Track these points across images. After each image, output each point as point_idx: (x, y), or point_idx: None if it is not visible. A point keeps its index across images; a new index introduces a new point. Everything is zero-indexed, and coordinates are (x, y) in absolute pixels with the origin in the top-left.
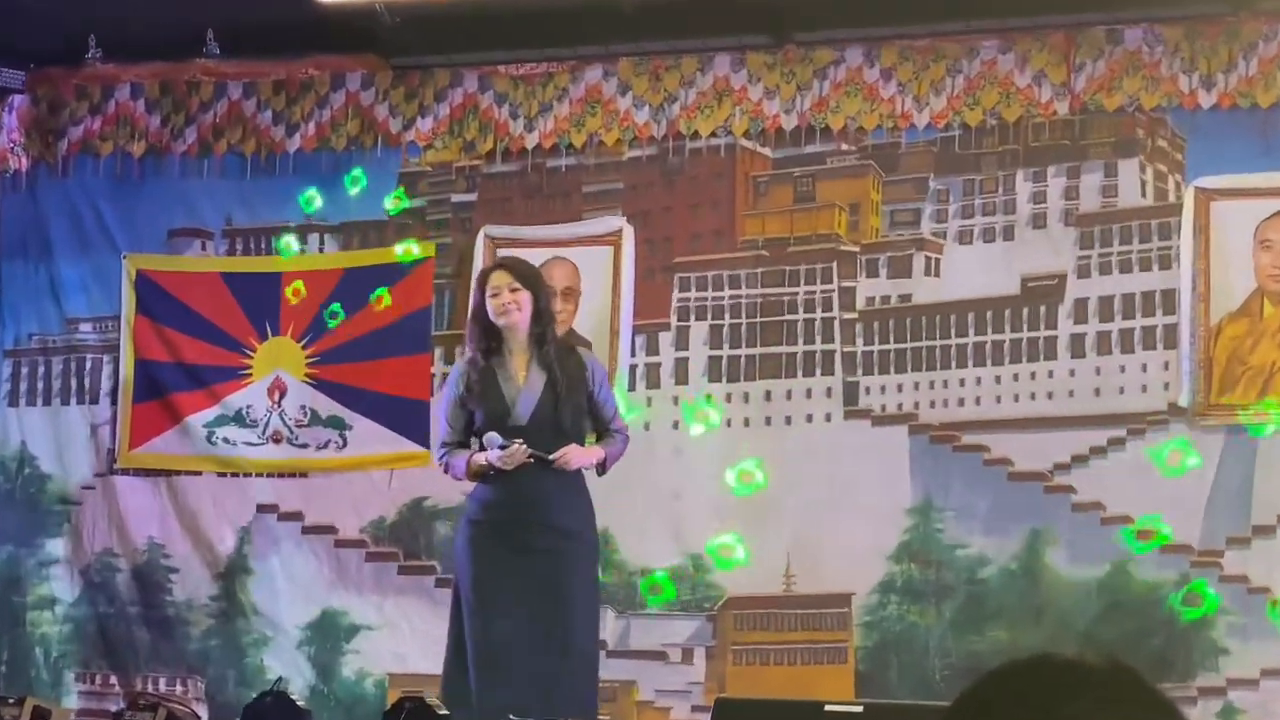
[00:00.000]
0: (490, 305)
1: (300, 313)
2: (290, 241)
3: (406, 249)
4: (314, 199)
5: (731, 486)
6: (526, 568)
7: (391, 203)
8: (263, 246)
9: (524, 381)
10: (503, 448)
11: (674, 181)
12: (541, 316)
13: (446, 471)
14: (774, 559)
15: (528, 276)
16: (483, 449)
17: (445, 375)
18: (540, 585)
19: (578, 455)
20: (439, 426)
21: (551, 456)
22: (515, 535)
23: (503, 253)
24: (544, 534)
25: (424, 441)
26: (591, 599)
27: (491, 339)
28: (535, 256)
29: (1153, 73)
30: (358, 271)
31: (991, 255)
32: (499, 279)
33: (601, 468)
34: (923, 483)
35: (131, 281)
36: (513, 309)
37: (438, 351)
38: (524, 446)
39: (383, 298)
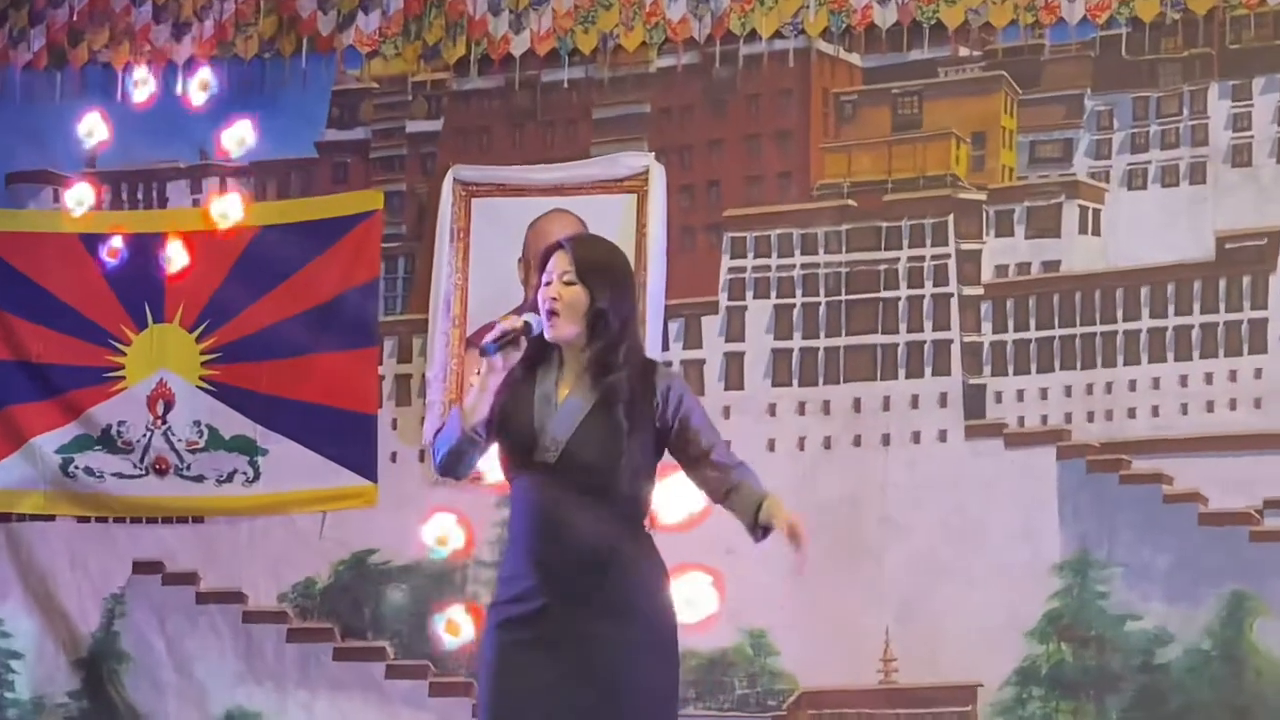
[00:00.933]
0: (542, 295)
1: (193, 290)
2: (180, 190)
3: (344, 199)
4: (212, 130)
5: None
6: (576, 671)
7: (321, 134)
8: (140, 197)
9: (562, 400)
10: (498, 342)
11: (723, 103)
12: (605, 326)
13: (436, 463)
14: (867, 637)
15: (590, 266)
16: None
17: (400, 377)
18: (598, 699)
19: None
20: (445, 423)
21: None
22: (559, 622)
23: (497, 206)
24: (601, 618)
25: (370, 472)
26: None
27: (543, 345)
28: (527, 209)
29: None
30: (275, 232)
31: (1174, 205)
32: (555, 263)
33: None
34: (1077, 527)
35: None
36: (557, 310)
37: (389, 344)
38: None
39: (309, 267)
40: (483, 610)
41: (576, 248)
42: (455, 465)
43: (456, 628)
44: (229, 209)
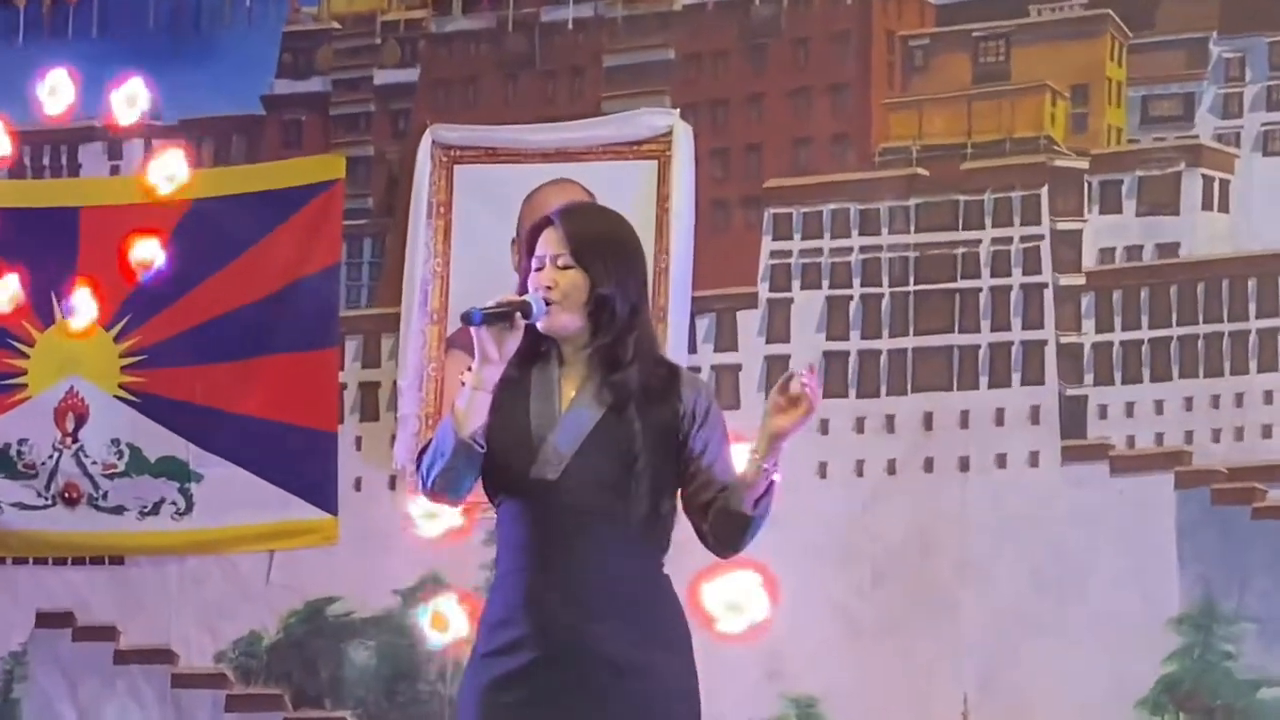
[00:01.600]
0: (532, 282)
1: (112, 278)
2: (95, 155)
3: (297, 165)
4: (137, 82)
5: (864, 580)
6: None
7: (270, 85)
8: (46, 163)
9: (567, 406)
10: (488, 311)
11: (763, 49)
12: (610, 315)
13: (426, 486)
14: (941, 707)
15: (588, 243)
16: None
17: (365, 385)
18: None
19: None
20: (435, 436)
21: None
22: (558, 680)
23: (485, 175)
24: (609, 675)
25: (328, 502)
26: None
27: (540, 338)
28: (523, 179)
29: None
30: (212, 206)
31: None
32: (547, 242)
33: (741, 519)
34: (1200, 573)
35: None
36: (553, 299)
37: (351, 345)
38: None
39: (254, 250)
40: (479, 600)
41: (568, 222)
42: (451, 487)
43: (444, 621)
44: (174, 170)
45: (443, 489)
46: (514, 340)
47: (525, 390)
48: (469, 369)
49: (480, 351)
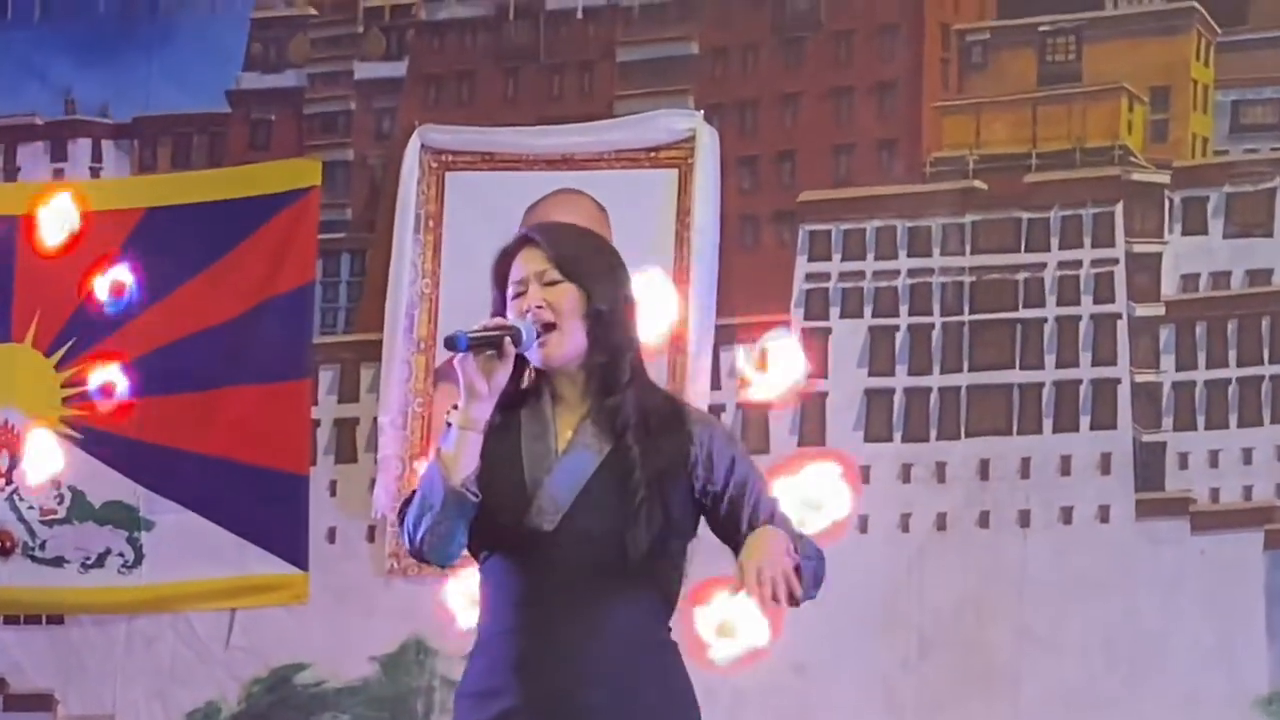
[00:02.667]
0: (512, 314)
1: (53, 297)
2: (36, 155)
3: (266, 170)
4: (85, 74)
5: (910, 651)
6: None
7: (236, 79)
8: None
9: (564, 448)
10: (474, 336)
11: (800, 43)
12: (607, 333)
13: (414, 546)
14: None
15: (575, 256)
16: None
17: (342, 422)
18: None
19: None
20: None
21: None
22: None
23: (481, 184)
24: None
25: (297, 555)
26: None
27: (525, 376)
28: (524, 189)
29: None
30: (168, 216)
31: None
32: (524, 264)
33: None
34: None
35: None
36: (552, 320)
37: (326, 376)
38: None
39: (217, 266)
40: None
41: (550, 238)
42: (442, 545)
43: None
44: (67, 218)
45: (433, 548)
46: (504, 372)
47: (515, 432)
48: (454, 407)
49: (466, 385)
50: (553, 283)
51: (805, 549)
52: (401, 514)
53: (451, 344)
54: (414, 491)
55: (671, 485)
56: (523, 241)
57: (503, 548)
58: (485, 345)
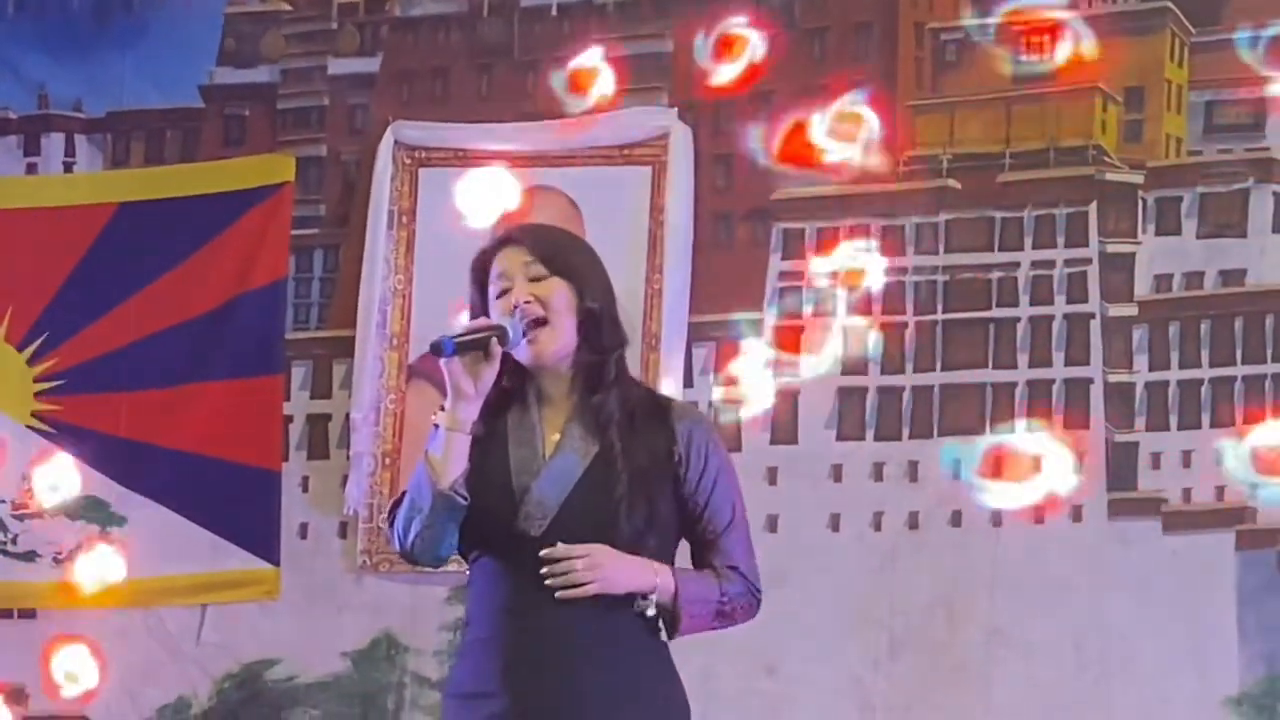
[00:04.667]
0: (496, 313)
1: (25, 291)
2: (8, 149)
3: (239, 166)
4: (59, 69)
5: (879, 653)
6: None
7: (209, 74)
8: None
9: (553, 450)
10: (459, 339)
11: (775, 40)
12: (599, 331)
13: (404, 547)
14: None
15: (561, 251)
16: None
17: (314, 418)
18: None
19: (618, 567)
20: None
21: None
22: None
23: (455, 180)
24: None
25: (269, 551)
26: None
27: (507, 377)
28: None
29: None
30: (141, 211)
31: None
32: (507, 261)
33: (701, 619)
34: (1264, 647)
35: None
36: (543, 316)
37: (299, 372)
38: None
39: (190, 262)
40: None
41: (531, 236)
42: (432, 548)
43: None
44: None
45: (423, 550)
46: (491, 372)
47: (502, 435)
48: (441, 408)
49: (454, 387)
50: (539, 278)
51: (728, 584)
52: (391, 515)
53: (437, 349)
54: (404, 493)
55: (657, 482)
56: (503, 240)
57: (491, 551)
58: (472, 347)
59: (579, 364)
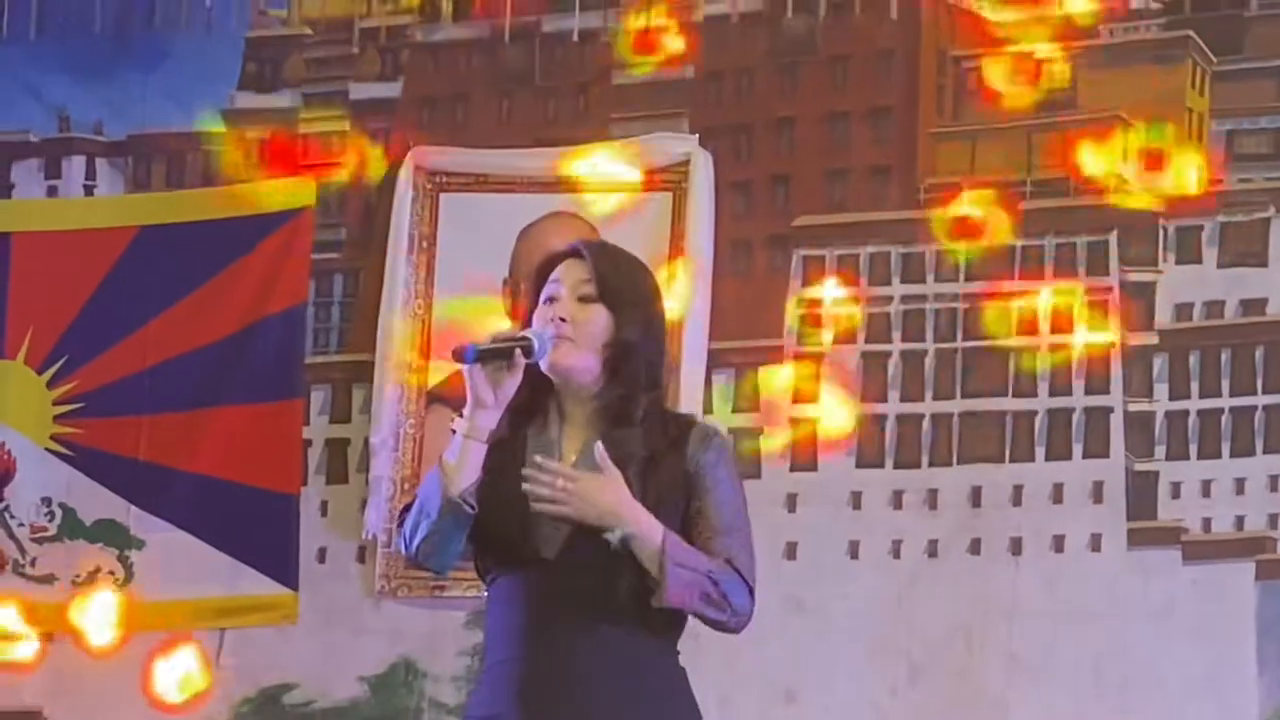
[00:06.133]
0: (537, 317)
1: (45, 314)
2: (29, 172)
3: (260, 190)
4: (80, 92)
5: (898, 681)
6: None
7: (230, 98)
8: None
9: (570, 468)
10: (484, 349)
11: (795, 68)
12: (628, 365)
13: (409, 550)
14: None
15: (617, 282)
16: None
17: (333, 442)
18: None
19: (600, 502)
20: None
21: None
22: None
23: (476, 205)
24: None
25: (287, 575)
26: None
27: (537, 390)
28: (518, 211)
29: None
30: (162, 235)
31: None
32: (566, 272)
33: (690, 589)
34: None
35: None
36: (566, 333)
37: (318, 396)
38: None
39: (209, 286)
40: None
41: (598, 256)
42: (437, 553)
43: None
44: None
45: (428, 555)
46: (512, 382)
47: (520, 452)
48: (459, 414)
49: (473, 395)
50: (587, 299)
51: (720, 569)
52: (401, 518)
53: (459, 355)
54: (415, 497)
55: (670, 513)
56: (573, 251)
57: (506, 572)
58: (495, 356)
59: (606, 396)
